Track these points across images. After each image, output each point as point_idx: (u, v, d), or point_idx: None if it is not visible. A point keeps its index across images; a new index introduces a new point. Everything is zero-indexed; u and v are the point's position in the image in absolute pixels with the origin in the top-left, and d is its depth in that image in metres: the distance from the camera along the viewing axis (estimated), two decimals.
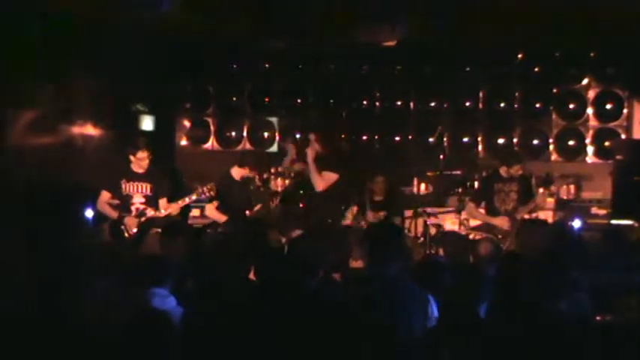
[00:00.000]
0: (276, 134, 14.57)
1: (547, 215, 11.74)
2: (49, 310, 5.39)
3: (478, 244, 9.79)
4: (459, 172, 13.00)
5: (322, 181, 9.98)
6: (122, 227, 9.67)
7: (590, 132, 13.61)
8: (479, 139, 13.97)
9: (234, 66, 14.49)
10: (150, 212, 9.74)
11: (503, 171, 10.44)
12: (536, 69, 13.58)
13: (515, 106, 13.82)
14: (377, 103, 14.26)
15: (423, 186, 13.22)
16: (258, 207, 10.40)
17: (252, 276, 6.31)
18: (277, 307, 5.33)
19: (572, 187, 12.89)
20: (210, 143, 14.85)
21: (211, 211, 10.48)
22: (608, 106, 13.49)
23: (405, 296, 5.47)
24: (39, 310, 5.38)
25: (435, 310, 5.49)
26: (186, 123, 14.93)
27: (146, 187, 9.85)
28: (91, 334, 5.06)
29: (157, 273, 6.21)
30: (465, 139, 13.99)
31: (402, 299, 5.43)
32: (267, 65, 14.43)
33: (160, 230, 9.14)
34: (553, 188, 12.48)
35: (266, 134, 14.64)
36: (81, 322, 5.34)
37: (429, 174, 13.02)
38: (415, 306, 5.45)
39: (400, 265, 5.82)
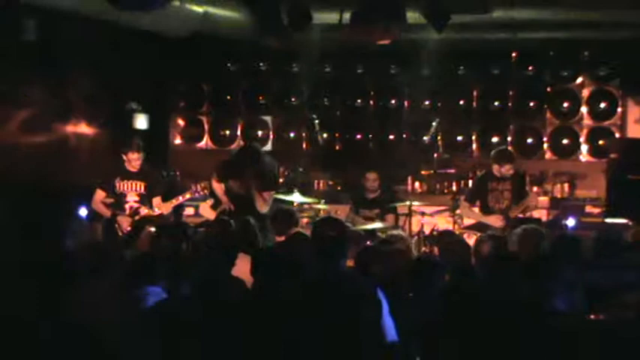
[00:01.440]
0: (271, 133, 14.56)
1: (541, 214, 11.74)
2: (44, 309, 5.37)
3: (480, 244, 9.76)
4: (453, 171, 13.01)
5: (263, 200, 9.85)
6: (116, 226, 9.66)
7: (585, 131, 13.60)
8: (473, 138, 13.97)
9: (229, 65, 14.48)
10: (143, 211, 9.74)
11: (495, 170, 10.44)
12: (530, 68, 13.58)
13: (510, 104, 13.83)
14: (371, 102, 14.26)
15: (417, 185, 13.24)
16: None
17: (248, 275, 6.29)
18: (273, 306, 5.32)
19: (566, 185, 12.90)
20: (205, 142, 14.83)
21: (205, 210, 10.46)
22: (602, 105, 13.49)
23: (353, 291, 5.42)
24: (34, 309, 5.36)
25: (385, 306, 5.43)
26: (181, 122, 14.92)
27: (140, 186, 9.85)
28: (86, 332, 5.06)
29: (151, 271, 6.20)
30: (459, 138, 13.99)
31: (350, 295, 5.38)
32: (261, 64, 14.42)
33: (153, 229, 9.13)
34: (547, 187, 12.52)
35: (260, 133, 14.61)
36: (75, 320, 5.33)
37: (423, 173, 13.04)
38: (363, 301, 5.40)
39: (346, 261, 5.77)
